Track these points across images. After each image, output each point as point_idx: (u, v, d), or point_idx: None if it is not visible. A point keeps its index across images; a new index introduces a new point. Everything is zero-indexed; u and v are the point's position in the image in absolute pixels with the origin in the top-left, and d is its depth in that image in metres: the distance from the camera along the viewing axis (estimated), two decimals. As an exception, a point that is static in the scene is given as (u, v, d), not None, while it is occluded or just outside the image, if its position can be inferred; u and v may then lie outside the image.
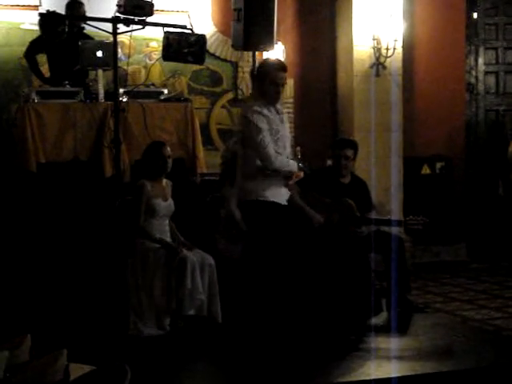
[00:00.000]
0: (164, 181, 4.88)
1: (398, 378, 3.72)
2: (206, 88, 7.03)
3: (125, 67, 5.90)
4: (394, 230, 5.16)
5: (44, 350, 2.83)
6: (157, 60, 6.23)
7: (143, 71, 6.67)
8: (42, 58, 6.02)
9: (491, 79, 7.82)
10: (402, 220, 5.18)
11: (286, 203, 4.30)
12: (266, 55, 6.92)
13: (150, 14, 4.85)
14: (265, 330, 4.18)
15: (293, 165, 4.27)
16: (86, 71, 5.84)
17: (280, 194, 4.27)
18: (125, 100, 5.33)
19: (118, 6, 4.75)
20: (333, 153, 5.19)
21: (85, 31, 5.94)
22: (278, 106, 4.30)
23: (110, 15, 4.80)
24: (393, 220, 5.21)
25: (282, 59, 7.02)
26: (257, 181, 4.23)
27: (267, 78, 4.20)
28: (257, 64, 5.91)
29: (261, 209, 4.20)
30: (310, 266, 4.28)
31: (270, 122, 4.19)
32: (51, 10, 4.88)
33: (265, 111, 4.19)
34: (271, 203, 4.19)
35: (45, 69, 6.06)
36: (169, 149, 4.85)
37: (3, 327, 4.17)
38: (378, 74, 7.06)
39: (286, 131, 4.36)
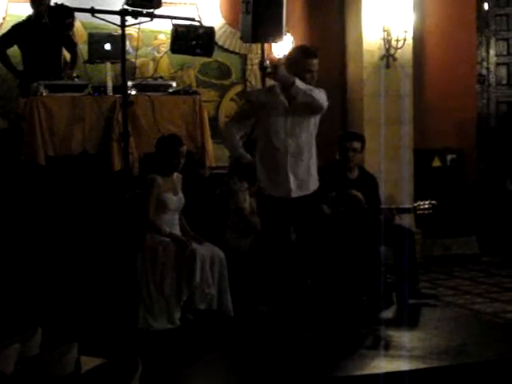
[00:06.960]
0: (175, 174, 4.84)
1: (409, 371, 3.69)
2: (214, 81, 6.99)
3: (133, 60, 5.87)
4: (405, 222, 5.16)
5: (55, 343, 2.82)
6: (165, 53, 6.20)
7: (151, 64, 6.63)
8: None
9: (502, 70, 7.74)
10: (411, 207, 5.18)
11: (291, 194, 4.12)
12: (274, 47, 6.91)
13: (158, 6, 4.83)
14: (276, 324, 4.17)
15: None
16: (60, 66, 5.81)
17: (277, 184, 4.13)
18: (133, 93, 5.32)
19: (127, -2, 4.74)
20: (340, 146, 5.16)
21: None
22: None
23: (118, 8, 4.78)
24: (402, 208, 5.23)
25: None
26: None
27: (297, 66, 4.07)
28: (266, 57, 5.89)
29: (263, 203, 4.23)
30: (319, 259, 4.27)
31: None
32: (59, 2, 4.88)
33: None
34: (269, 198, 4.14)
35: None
36: (185, 147, 4.80)
37: (14, 320, 4.18)
38: (388, 66, 7.01)
39: None
